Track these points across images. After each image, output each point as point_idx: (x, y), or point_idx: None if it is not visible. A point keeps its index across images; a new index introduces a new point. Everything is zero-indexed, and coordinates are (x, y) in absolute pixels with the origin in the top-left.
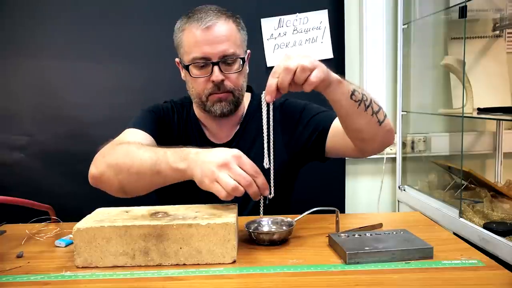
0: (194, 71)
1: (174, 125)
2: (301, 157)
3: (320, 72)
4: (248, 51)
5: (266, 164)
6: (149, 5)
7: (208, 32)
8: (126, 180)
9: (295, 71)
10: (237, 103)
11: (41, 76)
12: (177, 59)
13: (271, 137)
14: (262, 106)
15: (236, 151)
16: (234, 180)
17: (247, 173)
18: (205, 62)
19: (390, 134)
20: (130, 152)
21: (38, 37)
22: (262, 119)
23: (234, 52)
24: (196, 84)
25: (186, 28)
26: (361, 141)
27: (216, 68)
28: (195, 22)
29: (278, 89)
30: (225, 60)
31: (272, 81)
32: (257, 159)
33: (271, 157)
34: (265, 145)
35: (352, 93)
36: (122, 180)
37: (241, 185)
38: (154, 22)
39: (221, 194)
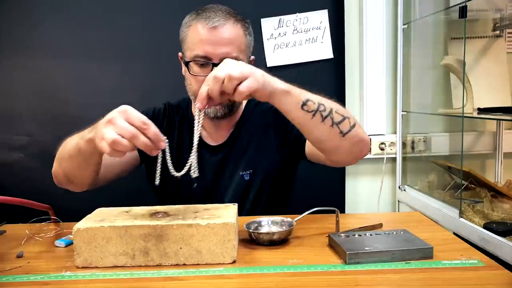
0: (194, 68)
1: (162, 128)
2: (292, 159)
3: (252, 82)
4: (253, 57)
5: (193, 173)
6: (150, 5)
7: (214, 32)
8: (66, 168)
9: (223, 80)
10: (232, 107)
11: (41, 76)
12: (180, 54)
13: (195, 143)
14: (195, 113)
15: (123, 107)
16: (117, 134)
17: (134, 125)
18: (206, 62)
19: (360, 145)
20: (67, 141)
21: (38, 37)
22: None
23: (236, 56)
24: (195, 81)
25: (193, 25)
26: (324, 151)
27: None
28: (203, 20)
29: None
30: None
31: (203, 89)
32: (253, 159)
33: (196, 162)
34: (193, 153)
35: (304, 104)
36: (64, 169)
37: (125, 138)
38: (154, 22)
39: (105, 150)
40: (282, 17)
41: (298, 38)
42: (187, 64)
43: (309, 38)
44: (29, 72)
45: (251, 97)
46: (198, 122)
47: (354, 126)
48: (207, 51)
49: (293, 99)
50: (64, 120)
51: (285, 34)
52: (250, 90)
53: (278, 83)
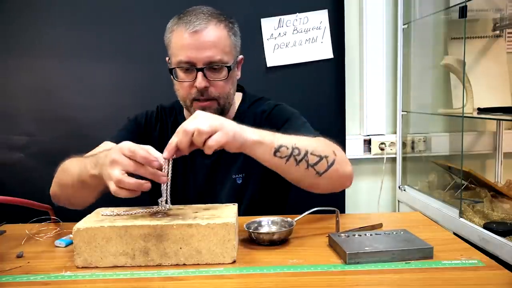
0: (180, 74)
1: (155, 132)
2: None
3: (221, 136)
4: (241, 56)
5: (162, 200)
6: (150, 4)
7: (195, 37)
8: (69, 194)
9: (193, 133)
10: (223, 110)
11: (41, 76)
12: (167, 58)
13: (168, 190)
14: (164, 163)
15: (120, 145)
16: (121, 171)
17: (125, 154)
18: (190, 67)
19: (340, 180)
20: (68, 168)
21: (38, 37)
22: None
23: (221, 59)
24: (181, 87)
25: (175, 30)
26: (303, 187)
27: (200, 74)
28: (184, 25)
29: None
30: (210, 67)
31: (172, 140)
32: (245, 163)
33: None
34: (166, 190)
35: (277, 150)
36: (67, 195)
37: (130, 171)
38: (154, 21)
39: (113, 190)
40: (282, 17)
41: (298, 38)
42: (171, 70)
43: (309, 38)
44: (29, 72)
45: (222, 148)
46: (167, 170)
47: (332, 164)
48: (190, 56)
49: (265, 148)
50: (64, 120)
51: (285, 34)
52: (219, 144)
53: (249, 134)
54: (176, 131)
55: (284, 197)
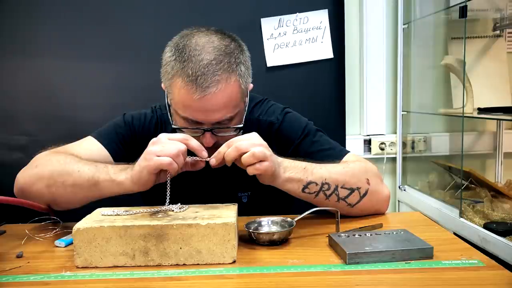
0: (183, 123)
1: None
2: None
3: (266, 166)
4: (251, 85)
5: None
6: (150, 4)
7: (203, 100)
8: (60, 193)
9: (244, 153)
10: None
11: (41, 76)
12: (163, 85)
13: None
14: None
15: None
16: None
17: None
18: (198, 128)
19: (375, 207)
20: (67, 164)
21: (38, 37)
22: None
23: (232, 116)
24: (185, 129)
25: (177, 81)
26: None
27: (208, 134)
28: (190, 83)
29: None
30: (219, 127)
31: (221, 149)
32: (251, 180)
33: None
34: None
35: (305, 187)
36: (54, 193)
37: (180, 147)
38: (154, 21)
39: (164, 162)
40: (282, 17)
41: (298, 38)
42: (169, 107)
43: (309, 38)
44: (29, 72)
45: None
46: (168, 185)
47: (365, 195)
48: (197, 117)
49: (293, 185)
50: (64, 120)
51: (285, 34)
52: (261, 172)
53: (282, 172)
54: (231, 140)
55: (290, 203)
